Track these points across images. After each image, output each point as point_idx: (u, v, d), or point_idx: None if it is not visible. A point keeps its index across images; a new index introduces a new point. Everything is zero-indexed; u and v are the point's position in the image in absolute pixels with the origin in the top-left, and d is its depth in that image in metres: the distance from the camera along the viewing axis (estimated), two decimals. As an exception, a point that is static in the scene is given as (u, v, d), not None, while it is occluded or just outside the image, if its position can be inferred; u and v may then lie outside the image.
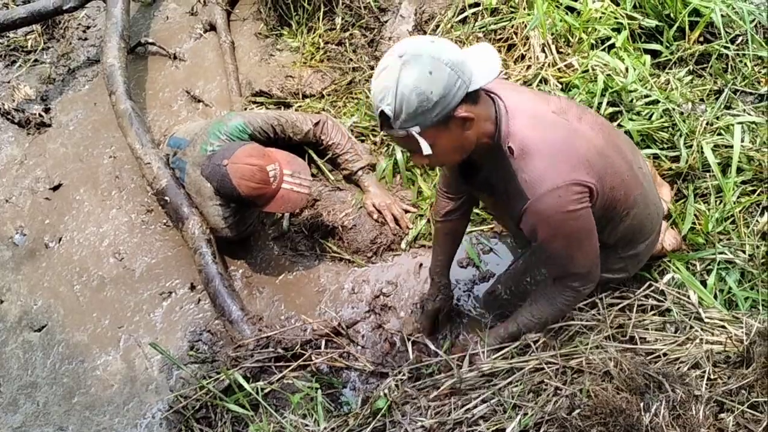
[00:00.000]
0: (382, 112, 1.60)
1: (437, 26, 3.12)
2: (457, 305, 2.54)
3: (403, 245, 2.76)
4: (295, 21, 3.65)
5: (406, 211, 2.80)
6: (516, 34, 2.99)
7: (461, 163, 1.85)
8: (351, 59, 3.42)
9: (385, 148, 2.99)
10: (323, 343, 2.45)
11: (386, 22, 3.68)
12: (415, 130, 1.60)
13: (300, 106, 3.17)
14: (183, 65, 3.68)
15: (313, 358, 2.38)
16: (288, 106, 3.20)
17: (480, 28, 3.00)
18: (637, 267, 2.23)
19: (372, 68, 3.38)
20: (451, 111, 1.59)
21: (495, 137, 1.73)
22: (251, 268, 2.82)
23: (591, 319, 2.19)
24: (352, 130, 3.01)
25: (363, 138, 3.05)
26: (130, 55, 3.61)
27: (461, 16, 3.07)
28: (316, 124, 2.84)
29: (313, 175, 2.91)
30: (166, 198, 2.83)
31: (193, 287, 2.80)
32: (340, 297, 2.68)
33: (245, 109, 3.21)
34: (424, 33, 3.07)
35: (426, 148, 1.62)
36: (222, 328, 2.60)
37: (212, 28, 3.78)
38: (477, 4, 3.07)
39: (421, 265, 2.70)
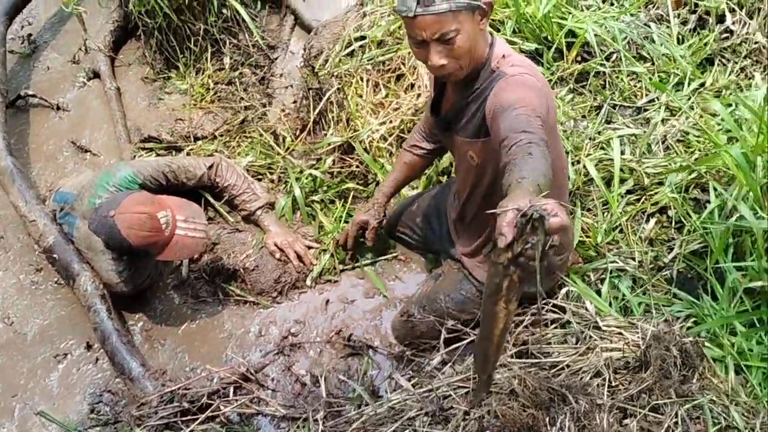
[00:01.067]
0: None
1: (326, 61, 3.13)
2: (366, 337, 2.52)
3: (308, 282, 2.73)
4: (183, 63, 3.60)
5: (309, 247, 2.77)
6: (404, 64, 3.04)
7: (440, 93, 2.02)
8: (242, 98, 3.39)
9: (283, 185, 2.96)
10: (231, 390, 2.37)
11: (276, 59, 3.69)
12: (457, 3, 1.66)
13: (192, 150, 3.11)
14: (67, 116, 3.54)
15: (221, 408, 2.29)
16: (179, 150, 3.13)
17: (368, 60, 3.03)
18: (551, 283, 2.30)
19: (265, 105, 3.36)
20: None
21: (487, 56, 1.85)
22: (151, 321, 2.71)
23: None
24: (248, 170, 2.96)
25: (260, 177, 3.02)
26: (9, 109, 3.44)
27: (349, 50, 3.09)
28: (210, 167, 2.79)
29: (210, 218, 2.85)
30: (55, 255, 2.69)
31: (89, 346, 2.65)
32: (247, 341, 2.61)
33: (135, 156, 3.12)
34: (313, 68, 3.08)
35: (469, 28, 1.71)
36: (123, 386, 2.47)
37: (96, 75, 3.66)
38: (363, 38, 3.10)
39: (327, 301, 2.67)
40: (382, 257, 2.75)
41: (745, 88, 2.96)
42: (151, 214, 2.35)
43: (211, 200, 2.88)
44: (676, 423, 1.82)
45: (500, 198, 1.28)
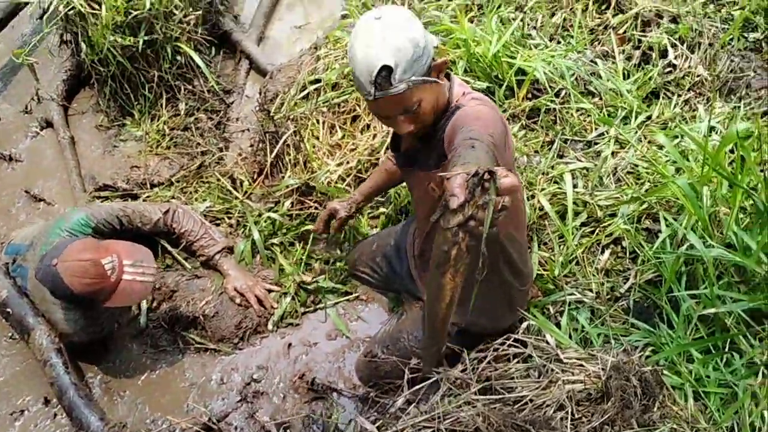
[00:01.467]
0: (384, 67, 1.64)
1: (281, 104, 3.15)
2: (329, 380, 2.49)
3: (269, 326, 2.70)
4: (138, 110, 3.58)
5: (269, 291, 2.75)
6: (358, 105, 3.07)
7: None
8: (198, 143, 3.38)
9: (242, 229, 2.94)
10: (194, 441, 2.33)
11: (232, 103, 3.70)
12: (413, 81, 1.67)
13: (148, 197, 3.08)
14: (20, 166, 3.49)
15: (183, 460, 2.24)
16: (135, 197, 3.10)
17: (323, 103, 3.07)
18: (512, 317, 2.31)
19: (221, 150, 3.36)
20: (431, 59, 1.72)
21: (448, 99, 1.87)
22: (109, 373, 2.65)
23: (458, 377, 2.21)
24: (205, 215, 2.95)
25: (218, 222, 3.00)
26: (-42, 164, 3.39)
27: (304, 93, 3.12)
28: (166, 212, 2.76)
29: (168, 266, 2.82)
30: (9, 310, 2.63)
31: (47, 402, 2.58)
32: (209, 389, 2.57)
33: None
34: (269, 112, 3.09)
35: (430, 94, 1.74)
36: (82, 442, 2.40)
37: (49, 124, 3.62)
38: (318, 81, 3.14)
39: (290, 344, 2.65)
40: (344, 298, 2.75)
41: (689, 120, 3.07)
42: (94, 261, 2.28)
43: (168, 247, 2.84)
44: (639, 452, 1.83)
45: None
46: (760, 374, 2.08)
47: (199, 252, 2.80)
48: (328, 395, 2.46)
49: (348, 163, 2.93)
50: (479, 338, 2.32)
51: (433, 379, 2.20)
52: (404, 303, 2.53)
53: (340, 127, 3.05)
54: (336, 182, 2.88)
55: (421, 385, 2.18)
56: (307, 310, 2.74)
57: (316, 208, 2.90)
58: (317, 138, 3.02)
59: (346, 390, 2.45)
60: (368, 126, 3.05)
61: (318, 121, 3.05)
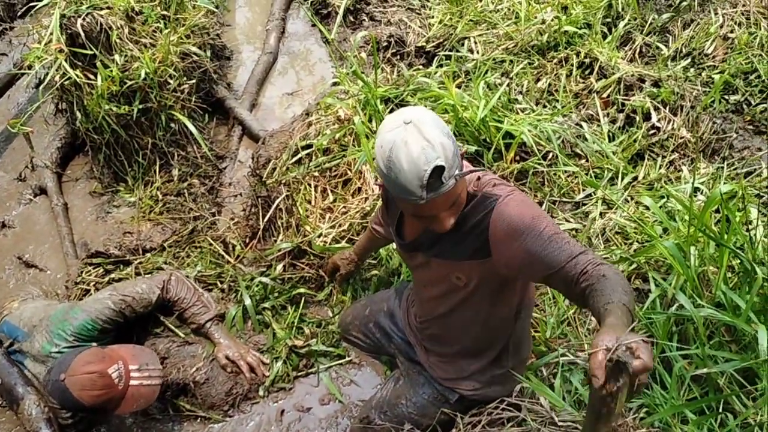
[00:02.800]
0: (437, 168, 1.59)
1: (274, 169, 3.20)
2: None
3: (261, 393, 2.67)
4: (131, 176, 3.62)
5: (261, 362, 2.73)
6: (350, 169, 3.12)
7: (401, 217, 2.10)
8: (191, 208, 3.41)
9: (234, 294, 2.94)
10: None
11: (224, 168, 3.75)
12: (458, 174, 1.65)
13: (140, 263, 3.08)
14: (12, 232, 3.50)
15: None
16: (127, 263, 3.10)
17: (315, 167, 3.11)
18: (513, 386, 2.30)
19: (214, 215, 3.39)
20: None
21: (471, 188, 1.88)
22: (98, 442, 2.60)
23: (453, 442, 2.19)
24: (197, 280, 2.95)
25: (210, 287, 3.00)
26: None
27: (296, 158, 3.17)
28: (162, 288, 2.76)
29: (158, 332, 2.80)
30: (-2, 379, 2.60)
31: (34, 473, 2.52)
32: (199, 458, 2.52)
33: (81, 273, 3.06)
34: (261, 178, 3.14)
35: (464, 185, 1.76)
36: None
37: (43, 191, 3.65)
38: (309, 146, 3.20)
39: (282, 411, 2.62)
40: (336, 362, 2.73)
41: (674, 181, 3.13)
42: (101, 372, 2.33)
43: (160, 317, 2.83)
44: None
45: (478, 319, 1.91)
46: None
47: (190, 319, 2.78)
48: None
49: (340, 226, 2.96)
50: (477, 403, 2.30)
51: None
52: (399, 367, 2.51)
53: (331, 191, 3.09)
54: (329, 244, 2.90)
55: (415, 453, 2.16)
56: (299, 374, 2.72)
57: (308, 271, 2.91)
58: (309, 202, 3.05)
59: (340, 456, 2.42)
60: (359, 189, 3.09)
61: (310, 185, 3.08)
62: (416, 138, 1.59)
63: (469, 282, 1.98)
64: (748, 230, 2.51)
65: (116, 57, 3.49)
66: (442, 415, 2.29)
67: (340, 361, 2.73)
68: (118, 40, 3.53)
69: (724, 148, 3.33)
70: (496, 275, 1.92)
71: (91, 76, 3.44)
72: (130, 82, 3.41)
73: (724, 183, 2.89)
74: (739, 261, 2.42)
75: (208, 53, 4.08)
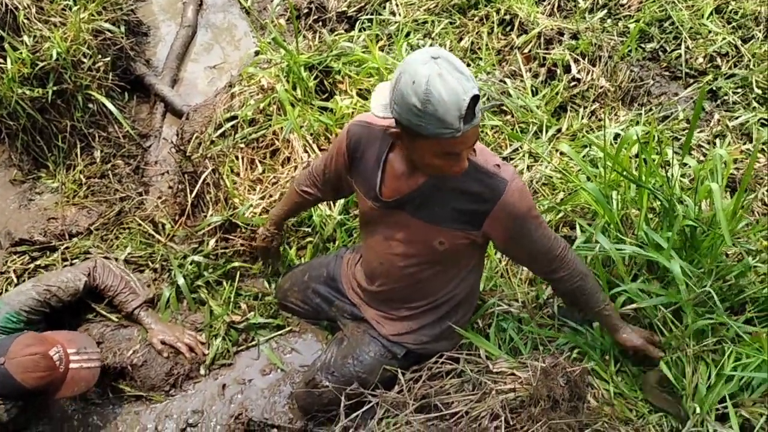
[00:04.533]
0: (474, 98, 1.63)
1: (199, 144, 3.14)
2: (265, 417, 2.46)
3: (202, 371, 2.64)
4: (52, 161, 3.50)
5: (199, 341, 2.69)
6: (277, 139, 3.09)
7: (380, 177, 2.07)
8: (117, 190, 3.33)
9: (167, 274, 2.89)
10: (130, 495, 2.25)
11: (149, 147, 3.65)
12: (484, 107, 1.74)
13: (67, 248, 2.99)
14: (-71, 228, 3.35)
15: None
16: (54, 250, 3.00)
17: (241, 139, 3.07)
18: (454, 341, 2.37)
19: (141, 194, 3.31)
20: None
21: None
22: (39, 433, 2.54)
23: (396, 399, 2.22)
24: (127, 261, 2.89)
25: (141, 268, 2.94)
26: None
27: (220, 131, 3.12)
28: (88, 275, 2.68)
29: (90, 318, 2.73)
30: None
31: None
32: (143, 440, 2.49)
33: (6, 263, 2.96)
34: (186, 153, 3.08)
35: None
36: None
37: (-41, 183, 3.50)
38: (234, 118, 3.14)
39: (224, 385, 2.60)
40: (276, 332, 2.72)
41: (596, 130, 3.20)
42: (43, 354, 2.27)
43: (90, 302, 2.76)
44: (572, 453, 1.87)
45: (444, 279, 2.18)
46: (687, 370, 2.16)
47: (119, 306, 2.72)
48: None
49: (271, 196, 2.93)
50: (423, 359, 2.34)
51: (370, 404, 2.21)
52: (342, 329, 2.51)
53: (260, 162, 3.05)
54: (260, 215, 2.87)
55: (358, 412, 2.18)
56: (239, 349, 2.70)
57: (241, 245, 2.88)
58: (237, 174, 3.01)
59: (283, 425, 2.41)
60: (288, 159, 3.06)
61: (237, 158, 3.04)
62: (450, 70, 1.62)
63: (449, 247, 2.05)
64: (665, 171, 2.59)
65: (25, 38, 3.36)
66: (387, 372, 2.31)
67: (280, 332, 2.72)
68: (25, 21, 3.40)
69: (642, 95, 3.42)
70: (474, 244, 2.08)
71: (0, 60, 3.29)
72: (41, 64, 3.27)
73: (640, 126, 2.97)
74: (658, 201, 2.50)
75: (123, 29, 3.95)
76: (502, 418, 1.99)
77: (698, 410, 2.00)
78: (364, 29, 3.85)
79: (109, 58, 3.65)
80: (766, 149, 3.09)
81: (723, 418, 2.04)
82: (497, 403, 2.06)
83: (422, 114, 1.64)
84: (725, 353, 2.08)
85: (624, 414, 2.05)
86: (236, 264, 2.84)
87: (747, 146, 3.10)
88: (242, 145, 3.06)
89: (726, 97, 3.35)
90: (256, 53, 3.81)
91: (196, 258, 2.84)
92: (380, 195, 2.07)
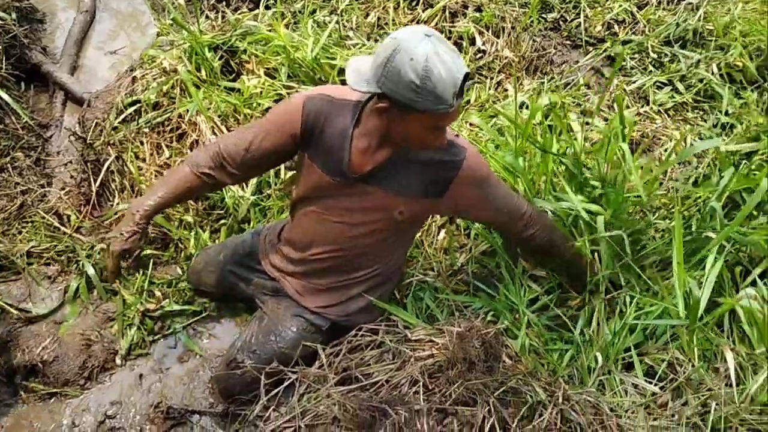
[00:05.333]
0: (466, 75, 1.76)
1: (101, 131, 3.03)
2: (186, 404, 2.41)
3: (118, 361, 2.57)
4: (-56, 158, 3.31)
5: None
6: (183, 122, 3.01)
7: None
8: (17, 183, 3.16)
9: (75, 266, 2.79)
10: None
11: (51, 137, 3.50)
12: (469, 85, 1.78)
13: (-35, 246, 2.84)
14: None
15: None
16: (-51, 250, 2.85)
17: (145, 124, 2.98)
18: (378, 313, 2.39)
19: (43, 186, 3.17)
20: None
21: None
22: (-57, 441, 2.42)
23: (316, 374, 2.22)
24: (30, 254, 2.77)
25: (48, 262, 2.82)
26: None
27: (123, 117, 3.02)
28: None
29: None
30: None
31: None
32: (60, 437, 2.41)
33: None
34: (87, 141, 2.96)
35: None
36: None
37: None
38: (137, 102, 3.05)
39: (141, 375, 2.54)
40: (193, 318, 2.67)
41: (502, 100, 3.27)
42: None
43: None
44: (489, 411, 1.92)
45: (390, 250, 2.26)
46: (594, 322, 2.25)
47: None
48: (186, 419, 2.38)
49: (179, 180, 2.86)
50: (347, 330, 2.34)
51: (290, 381, 2.20)
52: (261, 307, 2.47)
53: (166, 146, 2.97)
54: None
55: (277, 389, 2.17)
56: (155, 337, 2.63)
57: (151, 231, 2.80)
58: (143, 160, 2.92)
59: (204, 410, 2.38)
60: (196, 142, 2.99)
61: (142, 143, 2.95)
62: (445, 48, 1.73)
63: (407, 217, 2.12)
64: (570, 134, 2.68)
65: None
66: (308, 348, 2.30)
67: (196, 318, 2.67)
68: None
69: (545, 64, 3.51)
70: (427, 214, 2.26)
71: None
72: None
73: (546, 95, 3.06)
74: (564, 166, 2.58)
75: (15, 16, 3.76)
76: (421, 383, 2.02)
77: (600, 360, 2.08)
78: (269, 7, 3.79)
79: (0, 47, 3.46)
80: (662, 111, 3.23)
81: (630, 367, 2.15)
82: (416, 370, 2.09)
83: (420, 90, 1.72)
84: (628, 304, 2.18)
85: (536, 369, 2.11)
86: (147, 252, 2.77)
87: (644, 108, 3.23)
88: (147, 130, 2.98)
89: (624, 63, 3.48)
90: (158, 35, 3.70)
91: (105, 246, 2.74)
92: (347, 170, 2.07)
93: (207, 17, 3.73)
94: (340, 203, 2.16)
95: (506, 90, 3.36)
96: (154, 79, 3.11)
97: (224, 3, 3.99)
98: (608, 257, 2.28)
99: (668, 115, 3.23)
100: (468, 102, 3.32)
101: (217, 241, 2.81)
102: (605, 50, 3.55)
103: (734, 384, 1.92)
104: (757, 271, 2.38)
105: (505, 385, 1.99)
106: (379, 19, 3.73)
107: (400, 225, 2.16)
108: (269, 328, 2.34)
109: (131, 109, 3.01)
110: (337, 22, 3.58)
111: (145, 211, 2.14)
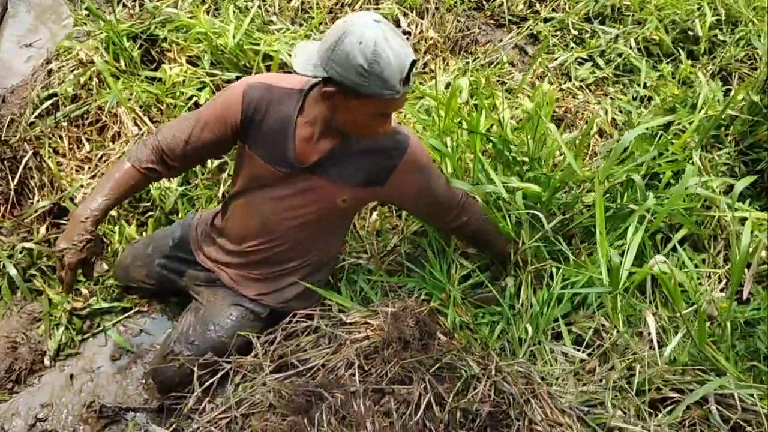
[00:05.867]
0: (414, 62, 1.77)
1: (17, 128, 2.91)
2: (119, 402, 2.36)
3: (46, 362, 2.49)
4: None
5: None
6: (103, 114, 2.93)
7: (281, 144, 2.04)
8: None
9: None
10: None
11: (-37, 137, 3.34)
12: (416, 73, 1.75)
13: None
14: None
15: None
16: None
17: (63, 118, 2.88)
18: (316, 299, 2.38)
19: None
20: None
21: None
22: None
23: (252, 363, 2.20)
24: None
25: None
26: None
27: (39, 111, 2.91)
28: None
29: None
30: None
31: None
32: (-12, 445, 2.33)
33: None
34: (3, 139, 2.85)
35: None
36: None
37: None
38: (53, 95, 2.94)
39: (72, 375, 2.47)
40: (123, 315, 2.61)
41: (428, 80, 3.29)
42: None
43: None
44: (425, 388, 1.94)
45: (330, 237, 2.26)
46: (522, 295, 2.30)
47: None
48: (120, 417, 2.33)
49: (102, 174, 2.78)
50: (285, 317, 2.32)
51: (224, 371, 2.18)
52: (197, 297, 2.42)
53: (87, 140, 2.88)
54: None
55: (211, 380, 2.14)
56: (85, 336, 2.56)
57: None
58: (63, 155, 2.83)
59: (138, 406, 2.34)
60: (118, 134, 2.91)
61: (61, 137, 2.85)
62: (393, 35, 1.74)
63: (350, 205, 2.13)
64: (495, 114, 2.72)
65: None
66: (244, 338, 2.27)
67: (127, 314, 2.61)
68: None
69: (469, 43, 3.54)
70: (368, 201, 2.28)
71: None
72: None
73: (470, 74, 3.09)
74: (491, 144, 2.62)
75: None
76: (356, 365, 2.03)
77: (530, 331, 2.13)
78: (189, -6, 3.71)
79: None
80: (583, 86, 3.31)
81: (559, 337, 2.21)
82: (352, 352, 2.10)
83: (367, 74, 1.72)
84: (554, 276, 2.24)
85: (470, 344, 2.15)
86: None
87: (566, 85, 3.30)
88: (65, 124, 2.88)
89: (546, 40, 3.54)
90: (75, 25, 3.57)
91: (27, 245, 2.65)
92: (293, 160, 2.04)
93: (124, 5, 3.61)
94: (281, 194, 2.13)
95: (432, 71, 3.38)
96: (71, 71, 3.01)
97: (143, -10, 3.88)
98: (533, 233, 2.33)
99: (590, 90, 3.31)
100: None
101: (144, 234, 2.74)
102: (528, 28, 3.61)
103: (656, 346, 2.00)
104: (678, 236, 2.48)
105: (440, 361, 2.02)
106: (302, 3, 3.68)
107: (343, 213, 2.17)
108: (207, 317, 2.30)
109: (48, 103, 2.90)
110: (260, 7, 3.53)
111: (95, 217, 2.05)
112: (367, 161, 2.05)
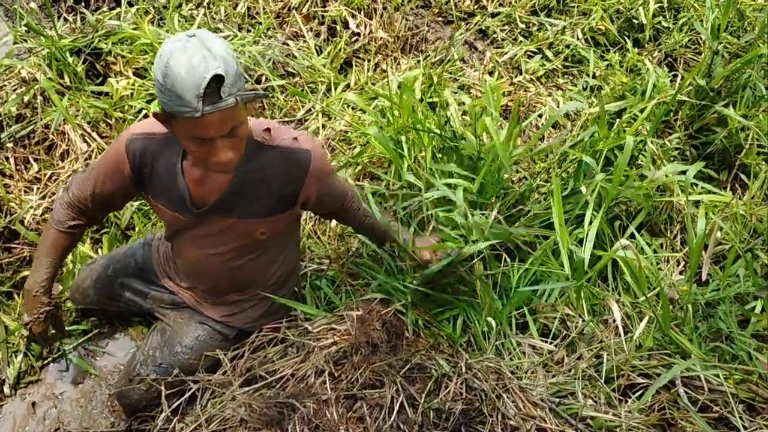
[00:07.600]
0: (216, 77, 1.53)
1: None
2: (85, 428, 2.30)
3: (6, 391, 2.42)
4: None
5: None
6: (49, 133, 2.85)
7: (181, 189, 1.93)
8: None
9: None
10: None
11: None
12: (241, 95, 1.59)
13: None
14: None
15: None
16: None
17: (9, 138, 2.79)
18: (283, 313, 2.34)
19: None
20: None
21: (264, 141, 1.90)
22: None
23: (220, 379, 2.17)
24: None
25: None
26: None
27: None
28: None
29: None
30: None
31: None
32: (-52, 481, 2.25)
33: None
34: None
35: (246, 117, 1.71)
36: None
37: None
38: (-4, 115, 2.86)
39: (33, 403, 2.40)
40: (84, 338, 2.54)
41: (380, 80, 3.28)
42: None
43: None
44: (397, 390, 1.94)
45: (270, 262, 2.16)
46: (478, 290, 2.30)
47: None
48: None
49: (53, 194, 2.71)
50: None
51: (192, 391, 2.14)
52: (163, 319, 2.37)
53: (34, 160, 2.80)
54: (43, 216, 2.64)
55: (179, 400, 2.10)
56: (45, 362, 2.49)
57: (29, 251, 2.64)
58: (10, 177, 2.74)
59: (105, 430, 2.28)
60: (67, 152, 2.84)
61: (7, 159, 2.77)
62: (198, 48, 1.56)
63: (271, 234, 2.04)
64: (439, 110, 2.72)
65: None
66: (209, 358, 2.24)
67: (87, 336, 2.54)
68: None
69: (419, 42, 3.54)
70: (293, 219, 2.11)
71: None
72: None
73: (419, 71, 3.10)
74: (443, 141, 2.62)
75: None
76: (327, 372, 2.01)
77: (493, 325, 2.14)
78: (132, 4, 3.63)
79: None
80: (534, 79, 3.34)
81: (525, 328, 2.22)
82: (320, 359, 2.08)
83: (163, 89, 1.58)
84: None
85: (438, 342, 2.15)
86: (25, 273, 2.61)
87: (518, 78, 3.33)
88: (10, 145, 2.79)
89: (494, 35, 3.57)
90: (14, 43, 3.47)
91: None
92: (190, 205, 1.97)
93: (65, 20, 3.52)
94: (202, 233, 2.07)
95: (384, 71, 3.37)
96: (14, 90, 2.92)
97: (83, 3, 3.78)
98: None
99: (541, 83, 3.34)
100: (348, 86, 3.31)
101: (99, 252, 2.68)
102: (476, 24, 3.63)
103: (622, 333, 2.03)
104: (635, 223, 2.53)
105: (410, 362, 2.02)
106: (249, 9, 3.64)
107: (270, 239, 2.08)
108: (174, 339, 2.26)
109: (-9, 124, 2.81)
110: (205, 15, 3.47)
111: (44, 288, 2.17)
112: (272, 190, 1.95)
